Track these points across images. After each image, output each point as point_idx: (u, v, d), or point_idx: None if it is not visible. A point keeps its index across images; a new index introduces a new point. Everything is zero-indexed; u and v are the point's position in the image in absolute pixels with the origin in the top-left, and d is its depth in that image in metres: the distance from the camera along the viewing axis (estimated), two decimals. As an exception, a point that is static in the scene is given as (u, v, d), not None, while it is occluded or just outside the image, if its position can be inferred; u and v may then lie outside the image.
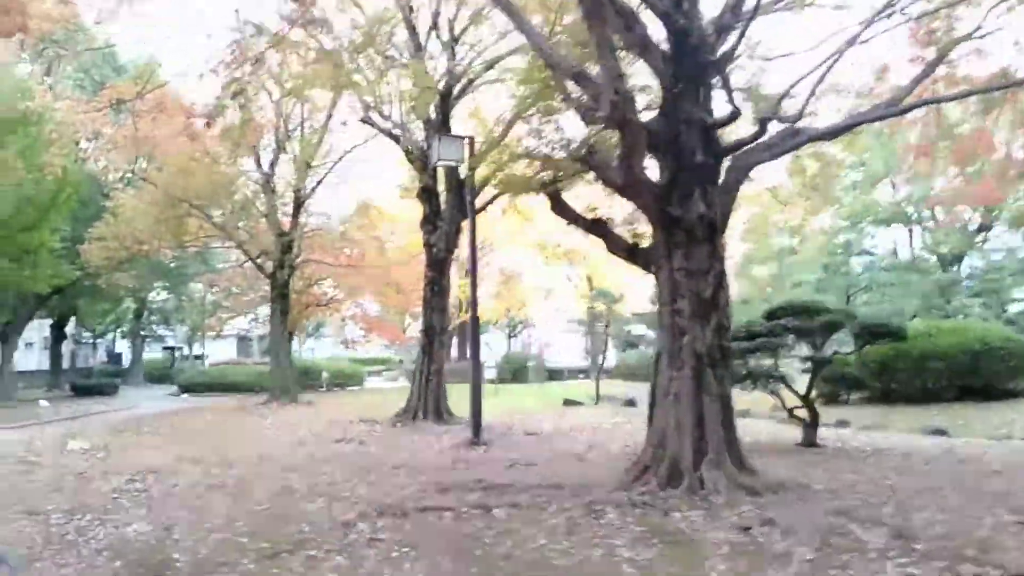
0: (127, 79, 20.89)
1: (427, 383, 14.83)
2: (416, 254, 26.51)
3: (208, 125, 12.59)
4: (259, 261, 23.04)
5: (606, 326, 24.50)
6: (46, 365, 38.48)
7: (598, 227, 8.55)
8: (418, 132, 15.88)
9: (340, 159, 22.53)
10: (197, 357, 56.93)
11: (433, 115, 14.71)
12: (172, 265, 30.94)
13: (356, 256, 24.62)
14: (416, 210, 23.56)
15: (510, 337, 68.74)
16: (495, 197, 14.59)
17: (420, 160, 15.11)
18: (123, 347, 57.13)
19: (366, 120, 15.48)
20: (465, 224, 15.12)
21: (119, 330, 55.47)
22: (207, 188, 21.42)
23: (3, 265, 20.07)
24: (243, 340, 77.13)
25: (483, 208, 16.20)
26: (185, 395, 34.57)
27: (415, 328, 48.95)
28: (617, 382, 37.51)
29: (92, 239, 21.81)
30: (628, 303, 46.61)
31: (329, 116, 22.10)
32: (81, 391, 32.73)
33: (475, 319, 12.67)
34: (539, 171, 9.62)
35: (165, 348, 51.95)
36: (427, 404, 14.73)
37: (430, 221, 15.32)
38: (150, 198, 21.72)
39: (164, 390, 39.81)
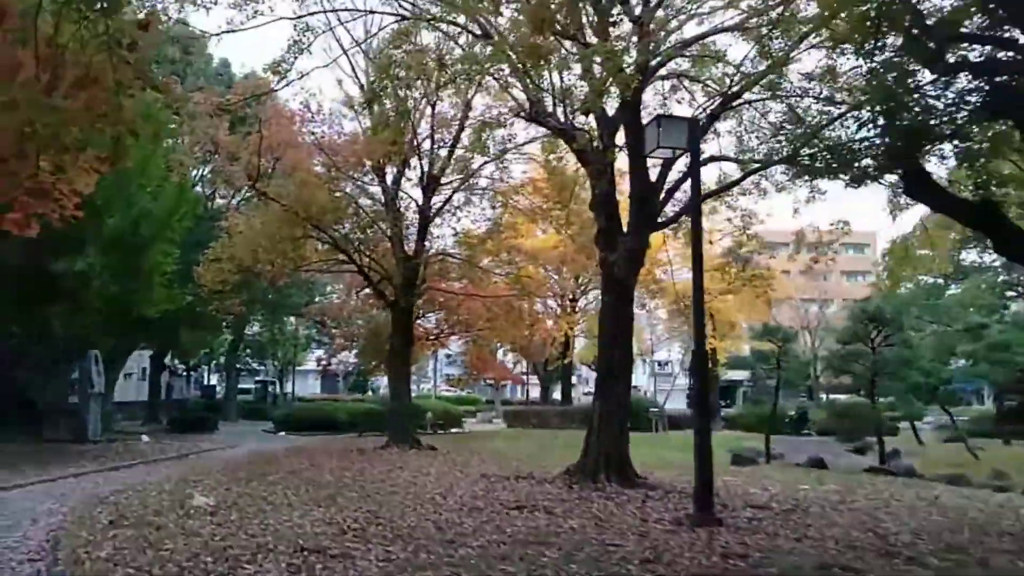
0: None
1: (605, 433, 11.94)
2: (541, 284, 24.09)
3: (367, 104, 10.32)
4: (381, 288, 20.87)
5: (777, 367, 21.13)
6: (142, 396, 37.55)
7: (987, 213, 5.65)
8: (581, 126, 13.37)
9: (472, 174, 20.23)
10: (287, 394, 55.89)
11: (613, 105, 12.17)
12: (275, 295, 29.26)
13: (482, 284, 22.22)
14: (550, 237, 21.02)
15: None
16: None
17: (597, 163, 12.49)
18: (212, 380, 56.66)
19: (533, 118, 13.03)
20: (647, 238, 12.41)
21: (212, 363, 55.06)
22: (329, 206, 19.47)
23: (116, 288, 18.48)
24: (327, 375, 76.62)
25: (675, 219, 13.48)
26: (282, 432, 32.74)
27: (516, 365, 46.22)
28: (737, 434, 33.81)
29: (207, 260, 20.12)
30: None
31: (461, 126, 19.95)
32: (179, 425, 31.26)
33: (703, 353, 9.79)
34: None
35: (258, 382, 50.85)
36: (608, 460, 11.82)
37: (609, 236, 12.62)
38: (267, 216, 19.91)
39: (258, 426, 38.23)
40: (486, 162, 20.32)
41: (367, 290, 24.29)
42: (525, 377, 39.03)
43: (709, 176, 13.55)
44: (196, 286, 21.73)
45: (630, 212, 12.43)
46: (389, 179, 20.67)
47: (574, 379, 67.04)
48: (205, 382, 57.49)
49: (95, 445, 22.30)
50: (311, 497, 10.85)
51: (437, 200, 20.77)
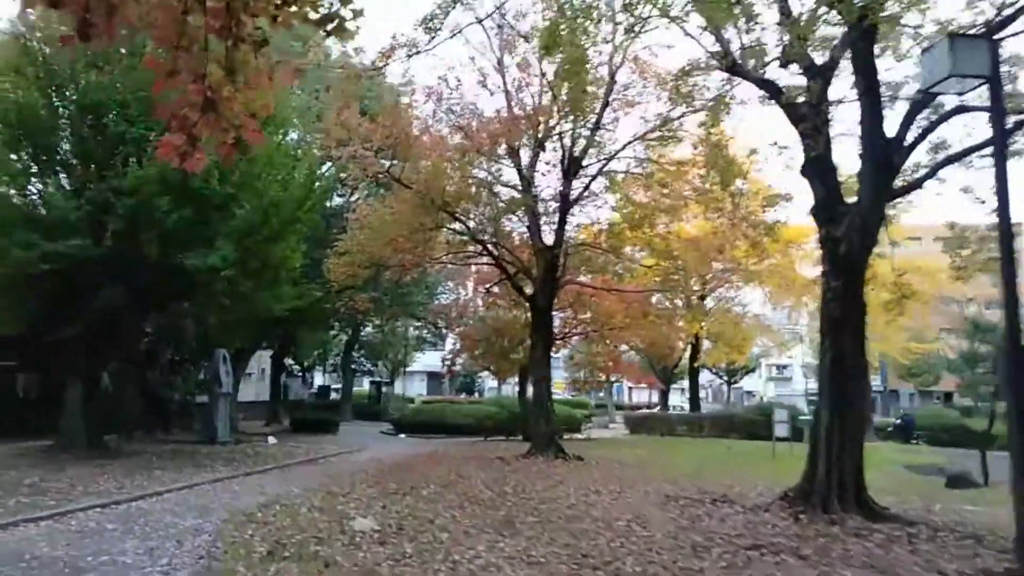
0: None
1: (836, 449, 9.59)
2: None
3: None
4: (518, 282, 19.15)
5: (993, 371, 17.92)
6: (262, 396, 37.52)
7: None
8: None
9: (622, 150, 18.15)
10: (399, 395, 55.51)
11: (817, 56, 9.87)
12: (396, 294, 28.10)
13: (624, 279, 20.13)
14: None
15: (729, 385, 61.72)
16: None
17: (811, 120, 10.17)
18: (322, 381, 56.95)
19: (733, 68, 10.82)
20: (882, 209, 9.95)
21: (325, 363, 55.33)
22: (463, 191, 17.93)
23: (246, 284, 17.54)
24: (433, 376, 76.38)
25: (921, 182, 10.89)
26: (402, 435, 31.71)
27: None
28: (887, 444, 30.13)
29: (336, 254, 18.98)
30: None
31: (605, 102, 17.94)
32: (301, 426, 30.72)
33: (1018, 347, 7.37)
34: None
35: (372, 383, 50.55)
36: (841, 484, 9.47)
37: (829, 207, 10.27)
38: (398, 206, 18.56)
39: (374, 427, 37.51)
40: (634, 139, 18.23)
41: (495, 287, 22.64)
42: (660, 381, 36.37)
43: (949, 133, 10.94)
44: (324, 282, 20.69)
45: (862, 175, 10.07)
46: (524, 162, 18.89)
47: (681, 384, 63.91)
48: (319, 383, 58.04)
49: (224, 446, 21.67)
50: (484, 521, 9.09)
51: (577, 185, 18.81)
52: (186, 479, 13.88)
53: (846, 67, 10.54)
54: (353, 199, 27.72)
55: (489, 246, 18.68)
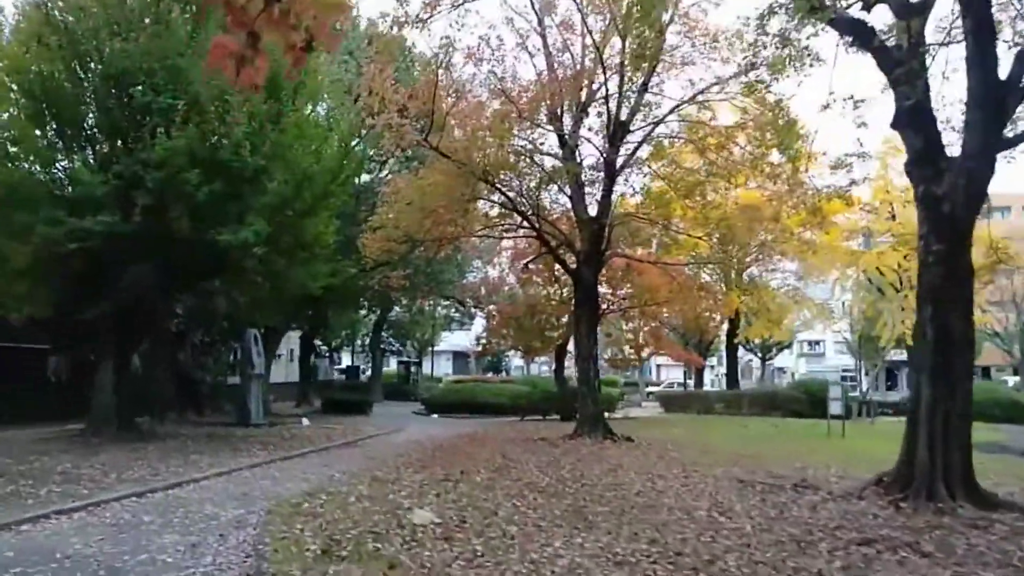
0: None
1: (942, 430, 8.60)
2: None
3: None
4: (560, 254, 18.23)
5: None
6: (291, 377, 37.11)
7: None
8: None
9: (670, 112, 17.07)
10: (428, 375, 55.06)
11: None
12: (428, 271, 27.26)
13: (672, 251, 19.10)
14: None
15: (764, 361, 60.41)
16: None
17: (908, 63, 9.07)
18: (350, 362, 56.55)
19: (815, 11, 9.69)
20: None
21: (354, 343, 54.97)
22: (502, 159, 17.02)
23: (279, 261, 16.82)
24: (459, 356, 75.98)
25: None
26: (435, 415, 31.12)
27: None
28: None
29: (370, 228, 18.19)
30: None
31: (654, 63, 16.85)
32: (333, 407, 30.23)
33: None
34: None
35: (400, 362, 50.12)
36: (947, 470, 8.50)
37: (929, 161, 9.21)
38: (434, 177, 17.69)
39: (405, 407, 37.02)
40: (684, 102, 17.13)
41: (533, 263, 21.72)
42: (697, 358, 35.22)
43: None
44: (357, 260, 19.93)
45: (968, 125, 8.97)
46: (567, 128, 17.87)
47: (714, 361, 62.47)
48: (348, 363, 57.81)
49: (258, 429, 21.16)
50: (551, 512, 8.28)
51: (623, 152, 17.76)
52: (223, 464, 13.26)
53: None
54: (383, 174, 26.91)
55: (531, 218, 17.73)
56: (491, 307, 35.85)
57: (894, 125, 9.64)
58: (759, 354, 57.32)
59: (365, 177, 29.28)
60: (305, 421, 23.55)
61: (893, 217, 32.60)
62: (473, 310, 47.06)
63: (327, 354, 52.42)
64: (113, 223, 14.61)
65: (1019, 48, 8.78)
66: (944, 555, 6.45)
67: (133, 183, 14.94)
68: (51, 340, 23.29)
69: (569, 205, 18.79)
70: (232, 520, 8.29)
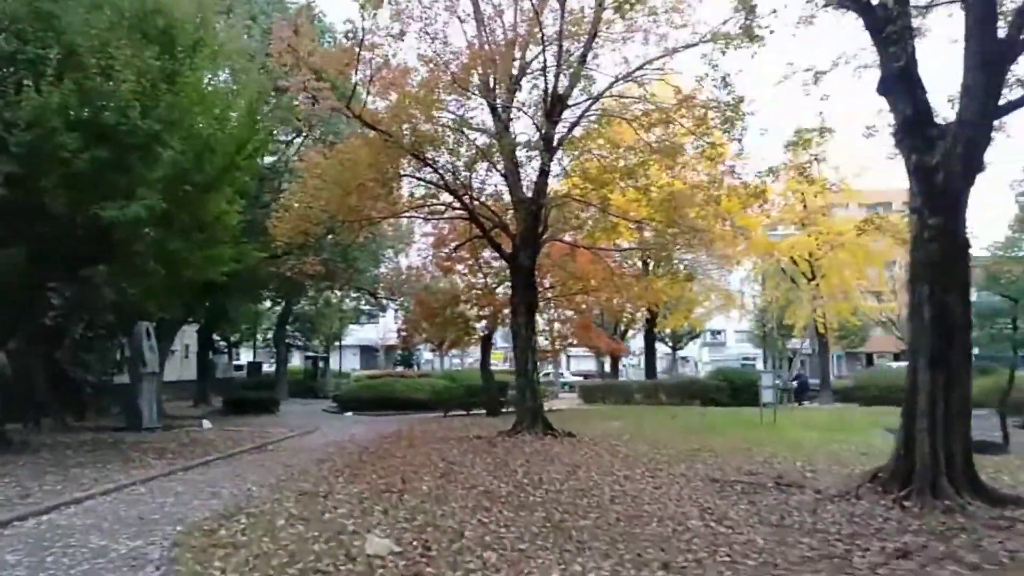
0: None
1: (943, 420, 7.90)
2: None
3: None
4: (494, 238, 16.89)
5: (1014, 327, 16.84)
6: (186, 375, 34.11)
7: None
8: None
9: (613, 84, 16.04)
10: (335, 371, 52.61)
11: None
12: (348, 257, 25.30)
13: (610, 235, 18.14)
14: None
15: (674, 350, 61.18)
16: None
17: (899, 22, 8.34)
18: (251, 358, 53.24)
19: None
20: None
21: (255, 338, 51.72)
22: (430, 133, 15.57)
23: (175, 244, 14.68)
24: (367, 350, 73.41)
25: None
26: (349, 412, 29.21)
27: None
28: (848, 407, 29.69)
29: (282, 207, 16.27)
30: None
31: (594, 31, 15.83)
32: (235, 407, 27.78)
33: None
34: None
35: (307, 358, 47.44)
36: (950, 463, 7.80)
37: (917, 129, 8.51)
38: (356, 153, 16.00)
39: (313, 405, 34.87)
40: (625, 77, 16.18)
41: (456, 251, 20.32)
42: (617, 348, 34.62)
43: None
44: (265, 243, 17.94)
45: (967, 89, 8.27)
46: (500, 100, 16.56)
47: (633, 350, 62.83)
48: (249, 359, 54.41)
49: (152, 434, 18.81)
50: (527, 529, 7.01)
51: (561, 129, 16.61)
52: (112, 478, 11.23)
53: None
54: (291, 153, 24.70)
55: (463, 198, 16.30)
56: (409, 298, 34.19)
57: (881, 90, 8.90)
58: (669, 344, 58.06)
59: (269, 159, 27.00)
60: (206, 423, 21.27)
61: (804, 206, 33.29)
62: (385, 302, 45.06)
63: (225, 350, 49.08)
64: (-31, 194, 12.20)
65: (1018, 5, 8.16)
66: (995, 566, 5.63)
67: (-6, 147, 12.56)
68: None
69: (502, 186, 17.50)
70: (126, 557, 6.56)
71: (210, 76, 16.72)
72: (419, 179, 16.74)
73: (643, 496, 8.70)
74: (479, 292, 25.28)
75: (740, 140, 15.24)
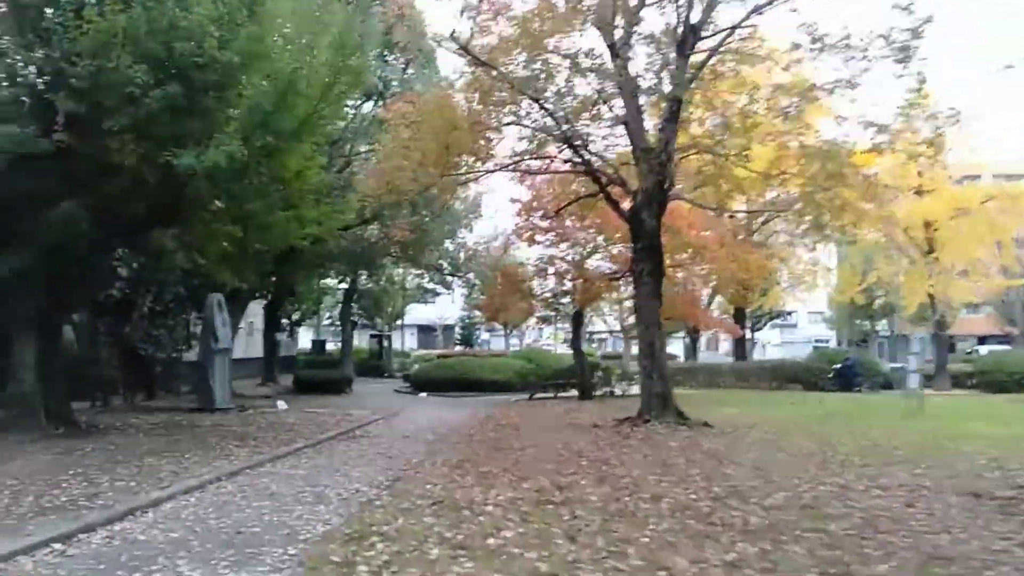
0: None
1: None
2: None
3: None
4: (611, 194, 14.56)
5: None
6: (251, 353, 32.77)
7: None
8: None
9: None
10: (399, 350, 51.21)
11: None
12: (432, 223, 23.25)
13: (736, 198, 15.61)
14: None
15: (753, 331, 57.90)
16: None
17: None
18: (313, 336, 52.16)
19: None
20: None
21: (319, 316, 50.59)
22: (537, 75, 13.31)
23: (257, 201, 12.79)
24: (424, 330, 72.02)
25: None
26: (424, 394, 27.42)
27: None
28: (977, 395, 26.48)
29: (385, 155, 14.23)
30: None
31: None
32: (306, 386, 26.24)
33: None
34: None
35: (373, 336, 46.05)
36: None
37: None
38: (447, 102, 13.86)
39: (382, 385, 33.27)
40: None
41: (560, 213, 18.03)
42: (737, 327, 31.78)
43: None
44: (352, 203, 15.99)
45: None
46: (618, 35, 14.15)
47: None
48: (310, 338, 53.39)
49: (226, 415, 17.21)
50: (796, 571, 4.74)
51: (694, 63, 14.08)
52: (192, 471, 9.43)
53: None
54: (366, 110, 22.60)
55: (580, 147, 13.98)
56: (479, 274, 32.24)
57: None
58: (750, 324, 54.88)
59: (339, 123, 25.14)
60: (281, 404, 19.65)
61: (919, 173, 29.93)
62: (450, 278, 43.24)
63: (287, 328, 48.05)
64: (24, 137, 10.44)
65: None
66: None
67: (52, 82, 10.77)
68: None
69: (615, 137, 15.13)
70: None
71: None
72: (525, 126, 14.43)
73: (906, 519, 6.35)
74: (567, 261, 23.06)
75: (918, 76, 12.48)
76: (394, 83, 21.77)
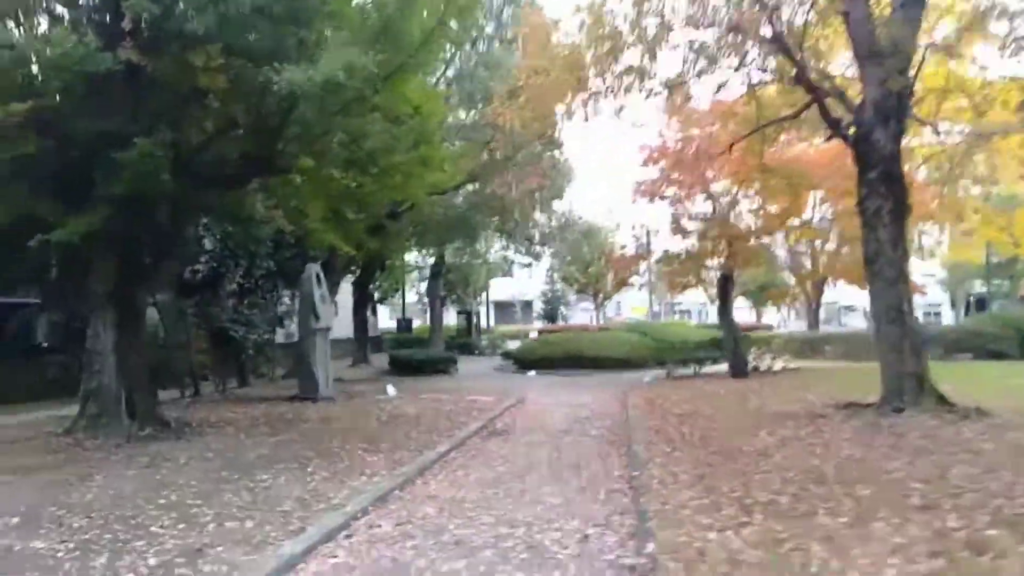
0: None
1: None
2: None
3: None
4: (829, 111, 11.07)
5: None
6: (338, 333, 30.46)
7: None
8: None
9: None
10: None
11: None
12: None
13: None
14: None
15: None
16: None
17: None
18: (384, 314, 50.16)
19: None
20: None
21: (404, 292, 48.39)
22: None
23: (379, 140, 9.94)
24: (502, 306, 69.48)
25: None
26: (532, 372, 24.54)
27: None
28: None
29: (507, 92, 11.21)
30: None
31: None
32: (404, 367, 23.64)
33: None
34: None
35: (461, 312, 43.52)
36: None
37: None
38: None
39: (478, 363, 30.57)
40: None
41: (733, 145, 14.47)
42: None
43: None
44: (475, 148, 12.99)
45: None
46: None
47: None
48: (391, 316, 51.40)
49: (332, 404, 14.67)
50: None
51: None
52: (325, 497, 6.69)
53: None
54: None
55: (788, 47, 10.54)
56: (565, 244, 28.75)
57: None
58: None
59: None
60: (391, 390, 17.02)
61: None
62: (540, 248, 40.18)
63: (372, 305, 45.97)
64: (81, 51, 7.79)
65: None
66: None
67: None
68: (41, 293, 16.96)
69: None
70: None
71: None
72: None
73: None
74: (704, 221, 19.66)
75: None
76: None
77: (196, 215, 12.32)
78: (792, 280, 31.56)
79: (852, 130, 10.71)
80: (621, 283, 21.62)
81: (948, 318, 55.69)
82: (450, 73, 18.15)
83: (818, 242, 29.69)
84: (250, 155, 10.15)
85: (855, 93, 11.08)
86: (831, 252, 26.16)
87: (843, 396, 11.78)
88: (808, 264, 29.89)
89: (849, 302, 68.84)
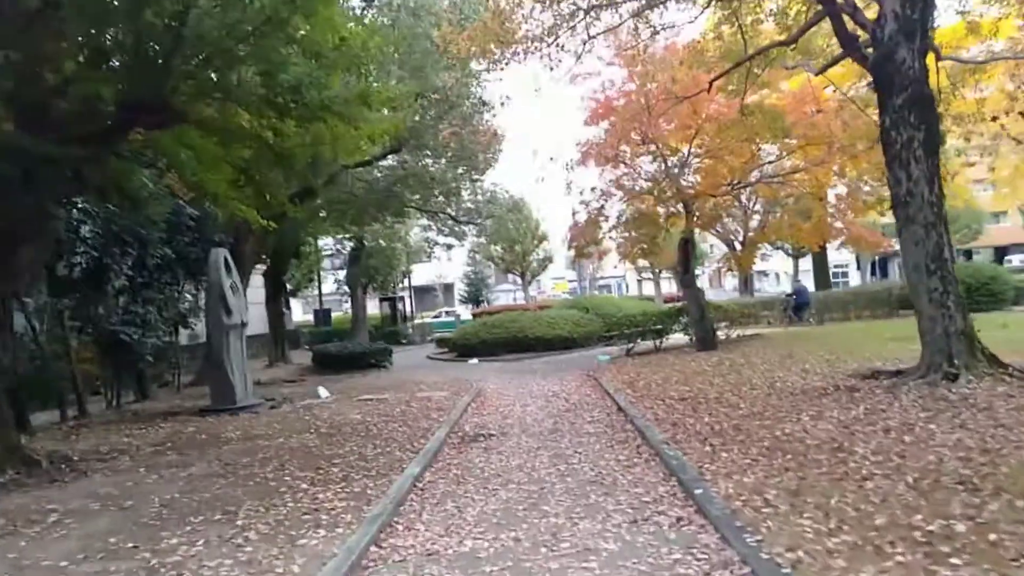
0: None
1: None
2: None
3: None
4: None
5: None
6: (254, 328, 27.39)
7: None
8: None
9: None
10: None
11: None
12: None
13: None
14: None
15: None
16: None
17: None
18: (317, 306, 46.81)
19: None
20: None
21: (319, 279, 45.06)
22: None
23: (300, 70, 7.52)
24: (421, 291, 66.95)
25: None
26: (474, 360, 22.48)
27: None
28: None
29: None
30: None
31: None
32: (331, 363, 21.00)
33: None
34: None
35: (383, 300, 40.77)
36: None
37: None
38: None
39: (408, 353, 28.33)
40: None
41: (725, 75, 12.73)
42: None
43: None
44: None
45: None
46: None
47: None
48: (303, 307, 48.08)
49: (256, 416, 12.15)
50: None
51: None
52: (268, 572, 4.42)
53: None
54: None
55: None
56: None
57: None
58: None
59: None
60: (323, 392, 14.56)
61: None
62: (467, 227, 37.82)
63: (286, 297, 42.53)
64: None
65: None
66: None
67: None
68: None
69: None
70: None
71: None
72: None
73: None
74: (659, 181, 18.06)
75: None
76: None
77: (62, 187, 9.48)
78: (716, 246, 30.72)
79: (870, 50, 9.08)
80: (580, 254, 19.61)
81: (855, 279, 56.68)
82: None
83: (748, 202, 28.93)
84: (130, 98, 7.54)
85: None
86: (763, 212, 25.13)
87: (845, 363, 10.35)
88: (740, 229, 29.00)
89: (761, 267, 69.85)
